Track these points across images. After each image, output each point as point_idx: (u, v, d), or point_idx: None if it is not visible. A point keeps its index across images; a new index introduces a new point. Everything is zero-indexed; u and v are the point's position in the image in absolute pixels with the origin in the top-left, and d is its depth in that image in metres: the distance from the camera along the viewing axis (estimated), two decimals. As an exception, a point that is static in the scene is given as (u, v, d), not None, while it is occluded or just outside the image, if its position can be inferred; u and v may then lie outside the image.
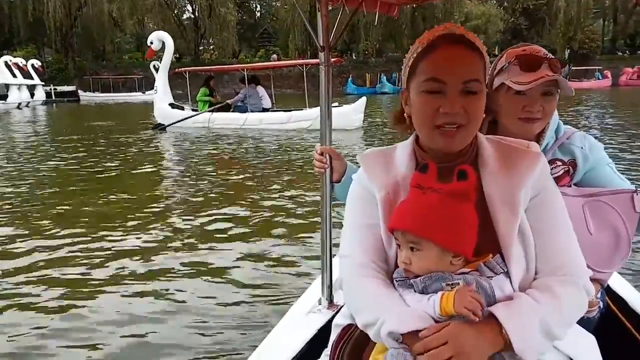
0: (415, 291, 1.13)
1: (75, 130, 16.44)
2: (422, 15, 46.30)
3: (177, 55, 54.20)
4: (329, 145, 1.86)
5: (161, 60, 16.88)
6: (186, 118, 15.17)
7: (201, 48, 52.50)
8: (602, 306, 1.66)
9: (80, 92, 41.82)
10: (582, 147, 1.65)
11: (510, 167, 1.16)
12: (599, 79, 39.80)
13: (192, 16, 53.10)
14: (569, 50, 48.04)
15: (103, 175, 8.60)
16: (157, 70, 42.55)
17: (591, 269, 1.43)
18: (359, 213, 1.27)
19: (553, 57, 1.58)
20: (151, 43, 16.54)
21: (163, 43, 16.34)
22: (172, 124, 15.07)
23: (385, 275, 1.20)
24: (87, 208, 6.25)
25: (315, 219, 5.33)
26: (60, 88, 41.50)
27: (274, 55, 48.71)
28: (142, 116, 21.09)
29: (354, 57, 50.71)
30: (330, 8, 1.92)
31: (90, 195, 6.94)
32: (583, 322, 1.42)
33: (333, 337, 1.34)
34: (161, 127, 15.20)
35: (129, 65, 48.76)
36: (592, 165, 1.66)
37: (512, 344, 1.01)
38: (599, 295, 1.65)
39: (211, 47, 54.38)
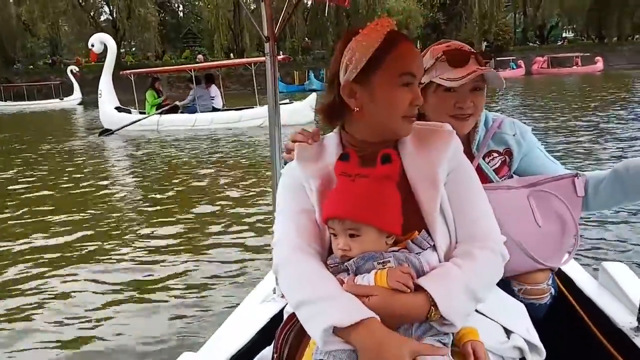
0: (349, 273, 1.18)
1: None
2: (346, 13, 46.94)
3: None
4: (278, 133, 1.89)
5: (104, 63, 16.11)
6: (134, 122, 14.57)
7: (122, 50, 50.35)
8: (553, 292, 1.66)
9: (-9, 101, 38.91)
10: (514, 135, 1.67)
11: (428, 147, 1.25)
12: (513, 68, 42.02)
13: (110, 18, 50.81)
14: (485, 43, 50.45)
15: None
16: (74, 74, 40.50)
17: (540, 262, 1.54)
18: (291, 200, 1.30)
19: (476, 51, 1.61)
20: (92, 46, 16.03)
21: (105, 45, 15.80)
22: (120, 128, 14.43)
23: (320, 257, 1.23)
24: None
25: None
26: (-34, 98, 38.46)
27: (200, 56, 47.54)
28: (68, 123, 20.07)
29: (281, 55, 50.58)
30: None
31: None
32: (534, 308, 1.52)
33: None
34: (108, 133, 14.48)
35: (44, 71, 45.92)
36: (526, 151, 1.68)
37: (439, 308, 1.08)
38: (549, 281, 1.66)
39: (132, 48, 52.36)
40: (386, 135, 1.26)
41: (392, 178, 1.17)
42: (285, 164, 1.39)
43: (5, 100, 39.64)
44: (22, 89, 40.42)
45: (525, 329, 1.30)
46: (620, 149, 8.57)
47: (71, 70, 38.82)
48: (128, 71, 16.64)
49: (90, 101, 36.92)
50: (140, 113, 15.34)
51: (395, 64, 1.18)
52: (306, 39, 49.36)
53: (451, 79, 1.52)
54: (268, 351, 1.41)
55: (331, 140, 1.33)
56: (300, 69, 44.77)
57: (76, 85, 38.27)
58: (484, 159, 1.67)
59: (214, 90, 15.22)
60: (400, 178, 1.21)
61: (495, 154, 1.67)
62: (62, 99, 38.20)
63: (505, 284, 1.53)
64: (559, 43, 55.28)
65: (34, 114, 30.20)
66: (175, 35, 55.90)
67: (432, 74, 1.56)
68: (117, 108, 15.55)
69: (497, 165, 1.67)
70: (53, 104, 37.20)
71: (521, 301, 1.47)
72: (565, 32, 61.93)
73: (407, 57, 1.19)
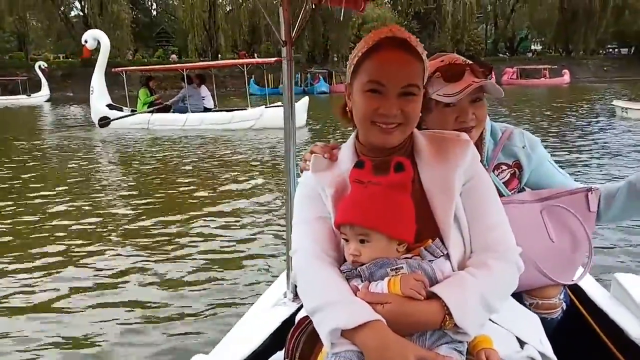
0: (362, 279, 1.18)
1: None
2: (322, 18, 47.14)
3: (65, 55, 50.57)
4: (294, 137, 1.88)
5: (97, 60, 16.01)
6: (129, 115, 14.46)
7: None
8: (564, 307, 1.65)
9: (-47, 96, 37.44)
10: (523, 147, 1.64)
11: (444, 156, 1.24)
12: (484, 79, 43.01)
13: (81, 13, 49.67)
14: (456, 52, 51.60)
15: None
16: (42, 70, 39.38)
17: (552, 279, 1.52)
18: (307, 209, 1.31)
19: (471, 62, 1.57)
20: (85, 42, 15.86)
21: (99, 42, 15.66)
22: (117, 118, 14.27)
23: (336, 264, 1.24)
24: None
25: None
26: None
27: (173, 56, 46.98)
28: (40, 120, 19.60)
29: (256, 57, 50.41)
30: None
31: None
32: (546, 322, 1.49)
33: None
34: (105, 121, 14.28)
35: (10, 65, 44.48)
36: (536, 164, 1.65)
37: (453, 317, 1.09)
38: (561, 296, 1.63)
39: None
40: (365, 140, 1.27)
41: (405, 186, 1.18)
42: (300, 173, 1.41)
43: (-31, 95, 38.25)
44: (-14, 84, 39.03)
45: (539, 340, 1.32)
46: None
47: (39, 66, 37.75)
48: (120, 68, 16.54)
49: (58, 98, 36.14)
50: (132, 111, 15.19)
51: (366, 70, 1.20)
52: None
53: (448, 94, 1.50)
54: (279, 355, 1.41)
55: (346, 149, 1.34)
56: (275, 72, 44.72)
57: (44, 81, 37.25)
58: (493, 171, 1.65)
59: (204, 90, 15.09)
60: (416, 186, 1.22)
61: (504, 167, 1.65)
62: (30, 95, 37.09)
63: (517, 298, 1.53)
64: (528, 55, 56.82)
65: (1, 109, 29.23)
66: (148, 34, 55.05)
67: (430, 90, 1.53)
68: (108, 105, 15.45)
69: (506, 178, 1.65)
70: (20, 100, 36.07)
71: None
72: (534, 45, 63.71)
73: (380, 65, 1.19)
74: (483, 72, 1.56)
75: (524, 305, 1.58)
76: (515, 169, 1.65)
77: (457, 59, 1.58)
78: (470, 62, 1.57)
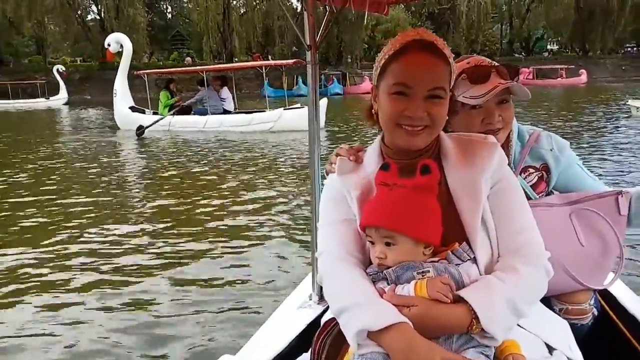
0: (389, 282, 1.19)
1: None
2: (335, 19, 47.08)
3: (82, 58, 51.24)
4: (318, 140, 1.89)
5: (120, 63, 16.31)
6: (159, 119, 14.58)
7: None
8: (595, 313, 1.62)
9: (-27, 99, 38.15)
10: (551, 149, 1.62)
11: (471, 159, 1.24)
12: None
13: (98, 17, 50.30)
14: (473, 54, 51.19)
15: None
16: (60, 74, 39.95)
17: (582, 283, 1.49)
18: (333, 211, 1.32)
19: (498, 64, 1.56)
20: (109, 45, 16.15)
21: (122, 45, 15.93)
22: (150, 126, 14.38)
23: (362, 266, 1.25)
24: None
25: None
26: (-51, 96, 37.64)
27: (188, 58, 47.40)
28: (59, 123, 19.90)
29: (270, 59, 50.59)
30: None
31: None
32: (576, 328, 1.47)
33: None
34: (142, 130, 14.40)
35: (29, 69, 45.21)
36: (564, 167, 1.63)
37: (480, 321, 1.09)
38: (592, 301, 1.61)
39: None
40: (391, 143, 1.28)
41: (431, 189, 1.17)
42: (326, 175, 1.42)
43: (-11, 99, 38.95)
44: (7, 87, 39.73)
45: (568, 347, 1.31)
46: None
47: (57, 70, 38.30)
48: (142, 71, 16.82)
49: (76, 101, 36.65)
50: (154, 113, 15.37)
51: (393, 72, 1.21)
52: (294, 41, 49.34)
53: (474, 96, 1.49)
54: (305, 357, 1.42)
55: (372, 152, 1.35)
56: (289, 74, 44.83)
57: (62, 85, 37.79)
58: (520, 174, 1.63)
59: (226, 92, 15.11)
60: (442, 189, 1.22)
61: (531, 170, 1.63)
62: (48, 98, 37.64)
63: (546, 303, 1.51)
64: (544, 55, 56.20)
65: (21, 113, 29.72)
66: (163, 37, 55.62)
67: (456, 92, 1.51)
68: (131, 108, 15.67)
69: (534, 181, 1.63)
70: (39, 102, 36.64)
71: None
72: (550, 45, 62.99)
73: (407, 68, 1.19)
74: (509, 73, 1.55)
75: (553, 310, 1.56)
76: (543, 172, 1.63)
77: (483, 61, 1.57)
78: (497, 63, 1.56)
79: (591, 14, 49.45)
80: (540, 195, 1.65)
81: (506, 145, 1.60)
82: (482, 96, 1.48)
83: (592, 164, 8.23)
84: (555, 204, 1.59)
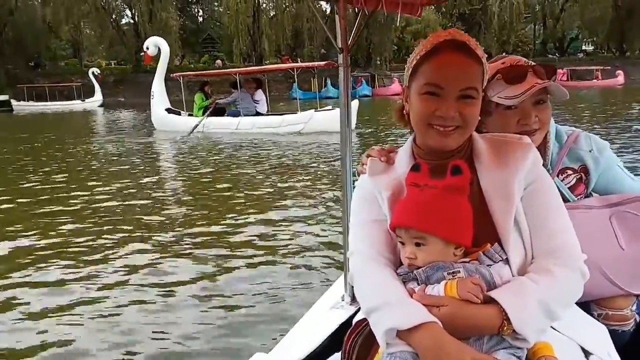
0: (419, 283, 1.19)
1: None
2: (366, 22, 47.02)
3: (117, 61, 52.59)
4: (349, 142, 1.91)
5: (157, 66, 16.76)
6: (198, 124, 14.90)
7: (142, 54, 51.18)
8: (638, 319, 1.57)
9: (13, 101, 39.42)
10: (590, 150, 1.58)
11: (504, 160, 1.22)
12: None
13: (132, 21, 51.52)
14: (503, 54, 50.40)
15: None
16: (95, 76, 41.12)
17: (622, 288, 1.46)
18: (364, 211, 1.32)
19: (535, 63, 1.53)
20: (147, 48, 16.66)
21: (159, 48, 16.38)
22: (195, 128, 14.75)
23: (392, 266, 1.25)
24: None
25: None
26: (-10, 98, 39.19)
27: (218, 61, 48.06)
28: (96, 123, 20.52)
29: (299, 61, 50.91)
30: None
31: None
32: (616, 335, 1.43)
33: None
34: (190, 132, 14.84)
35: (66, 72, 46.71)
36: (603, 169, 1.59)
37: (512, 322, 1.07)
38: (633, 307, 1.56)
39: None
40: (423, 143, 1.27)
41: (462, 189, 1.17)
42: (357, 176, 1.42)
43: (28, 101, 40.38)
44: (45, 90, 41.12)
45: (607, 353, 1.28)
46: None
47: (92, 72, 39.45)
48: (178, 74, 17.30)
49: (110, 103, 37.68)
50: (189, 115, 15.77)
51: (424, 73, 1.20)
52: (324, 43, 49.47)
53: (509, 97, 1.47)
54: (337, 357, 1.43)
55: (404, 152, 1.34)
56: (318, 76, 44.99)
57: (97, 87, 38.94)
58: (558, 176, 1.60)
59: (259, 94, 15.32)
60: (474, 190, 1.21)
61: (569, 171, 1.60)
62: (84, 100, 38.82)
63: (585, 308, 1.48)
64: (579, 55, 54.86)
65: (57, 114, 30.68)
66: (194, 40, 56.61)
67: (490, 92, 1.49)
68: (167, 109, 16.10)
69: (572, 183, 1.60)
70: (75, 104, 37.82)
71: None
72: (585, 45, 61.44)
73: (438, 68, 1.18)
74: (547, 73, 1.51)
75: (592, 315, 1.52)
76: (582, 174, 1.60)
77: (519, 61, 1.55)
78: (534, 63, 1.54)
79: (630, 12, 47.96)
80: (579, 197, 1.61)
81: (543, 146, 1.57)
82: (518, 96, 1.46)
83: (630, 167, 7.98)
84: (595, 206, 1.55)
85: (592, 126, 13.87)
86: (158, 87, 16.21)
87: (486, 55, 1.23)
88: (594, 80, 40.01)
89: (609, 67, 40.92)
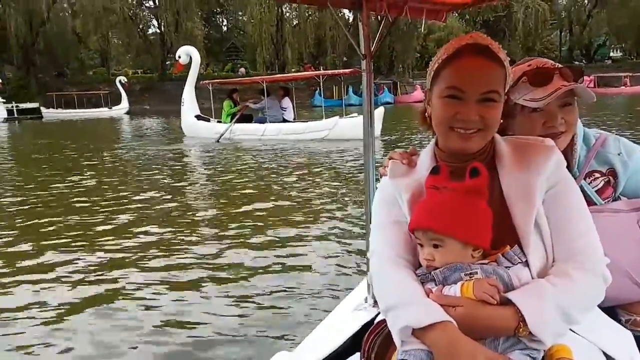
0: (436, 283, 1.20)
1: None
2: (388, 30, 47.01)
3: (143, 70, 53.65)
4: (373, 148, 1.94)
5: (188, 75, 17.16)
6: (227, 130, 15.35)
7: (167, 63, 52.12)
8: None
9: (43, 109, 40.61)
10: (618, 154, 1.56)
11: (526, 162, 1.21)
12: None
13: (158, 31, 52.56)
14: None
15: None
16: (122, 85, 42.07)
17: None
18: (384, 212, 1.34)
19: (562, 66, 1.52)
20: (179, 57, 17.11)
21: (190, 57, 16.82)
22: (222, 134, 15.22)
23: (411, 267, 1.25)
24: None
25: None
26: (22, 105, 40.25)
27: (242, 69, 48.65)
28: (123, 131, 20.98)
29: (321, 70, 51.14)
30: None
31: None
32: None
33: None
34: (218, 138, 15.29)
35: (93, 80, 47.88)
36: (632, 172, 1.56)
37: (528, 324, 1.07)
38: None
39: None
40: (444, 146, 1.28)
41: (480, 191, 1.17)
42: (380, 178, 1.44)
43: (57, 108, 41.52)
44: (73, 98, 42.20)
45: (630, 358, 1.26)
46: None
47: (119, 81, 40.34)
48: (207, 81, 17.87)
49: (136, 111, 38.44)
50: (218, 122, 16.15)
51: (446, 77, 1.21)
52: (346, 51, 49.59)
53: (535, 99, 1.46)
54: (358, 357, 1.45)
55: (425, 155, 1.35)
56: (340, 84, 45.11)
57: (124, 95, 39.80)
58: (585, 179, 1.57)
59: (287, 102, 15.64)
60: (496, 192, 1.21)
61: (597, 175, 1.57)
62: (111, 107, 39.72)
63: (612, 313, 1.46)
64: (606, 62, 53.80)
65: (84, 121, 31.42)
66: (219, 48, 57.44)
67: (515, 95, 1.49)
68: (197, 116, 16.53)
69: (599, 187, 1.57)
70: (102, 112, 38.72)
71: None
72: (613, 52, 60.23)
73: (460, 72, 1.19)
74: (573, 75, 1.50)
75: (619, 321, 1.49)
76: (610, 177, 1.57)
77: (546, 63, 1.54)
78: (560, 65, 1.52)
79: (660, 19, 46.89)
80: (607, 200, 1.58)
81: (570, 149, 1.56)
82: (544, 99, 1.45)
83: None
84: (622, 209, 1.52)
85: (621, 131, 13.59)
86: (189, 94, 16.62)
87: (509, 59, 1.23)
88: (622, 87, 39.21)
89: (638, 74, 40.01)
